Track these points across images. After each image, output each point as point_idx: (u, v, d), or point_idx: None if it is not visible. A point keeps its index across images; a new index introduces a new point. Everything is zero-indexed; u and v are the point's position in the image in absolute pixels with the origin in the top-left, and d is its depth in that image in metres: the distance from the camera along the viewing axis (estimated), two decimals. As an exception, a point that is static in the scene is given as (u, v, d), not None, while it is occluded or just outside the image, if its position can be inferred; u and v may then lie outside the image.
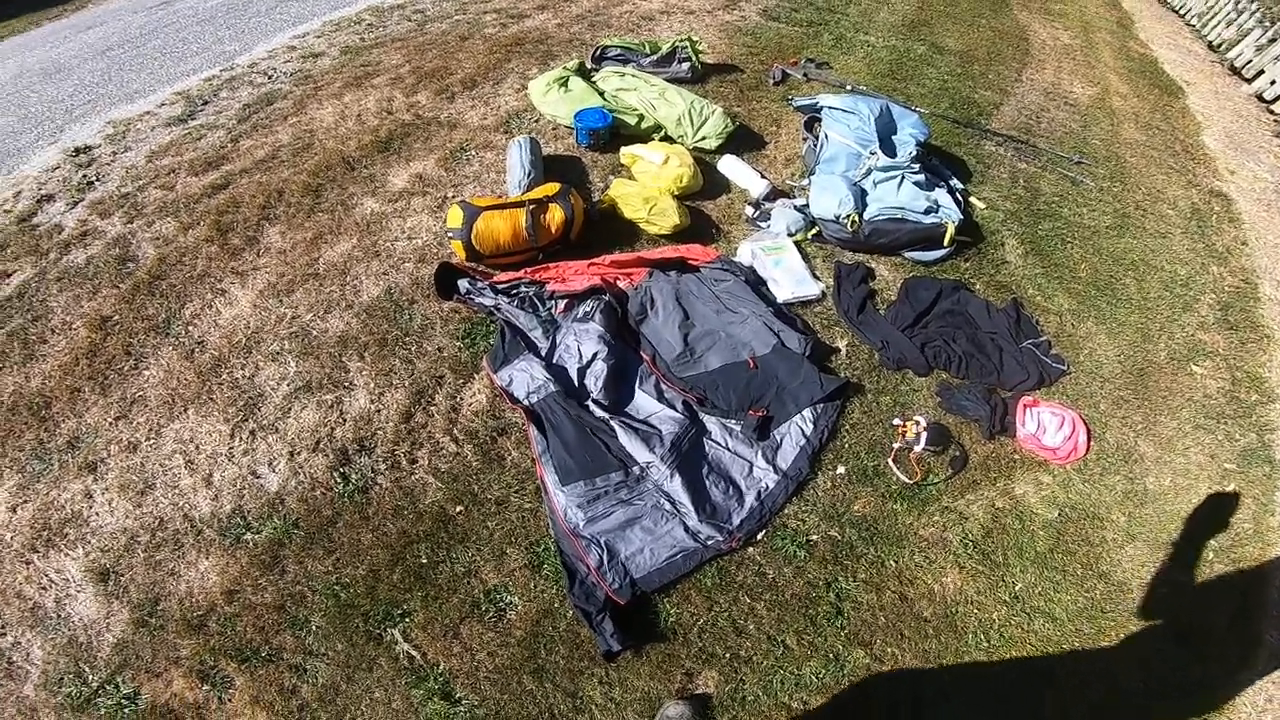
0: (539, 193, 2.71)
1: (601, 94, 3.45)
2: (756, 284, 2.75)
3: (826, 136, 3.12)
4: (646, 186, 2.96)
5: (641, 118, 3.34)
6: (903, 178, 3.02)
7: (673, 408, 2.32)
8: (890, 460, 2.26)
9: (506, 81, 3.98)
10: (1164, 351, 2.94)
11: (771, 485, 2.18)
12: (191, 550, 1.96)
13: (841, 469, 2.24)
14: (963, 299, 2.95)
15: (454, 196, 3.07)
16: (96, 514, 2.03)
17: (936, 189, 3.12)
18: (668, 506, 2.08)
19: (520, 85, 3.92)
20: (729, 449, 2.25)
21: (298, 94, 3.96)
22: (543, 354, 2.43)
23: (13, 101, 4.23)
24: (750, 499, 2.16)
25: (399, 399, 2.31)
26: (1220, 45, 6.60)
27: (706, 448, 2.25)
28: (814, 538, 2.07)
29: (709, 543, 2.03)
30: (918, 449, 2.31)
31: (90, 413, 2.24)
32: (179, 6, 5.41)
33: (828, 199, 2.98)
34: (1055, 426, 2.44)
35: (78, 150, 3.60)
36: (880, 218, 2.97)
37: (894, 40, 4.95)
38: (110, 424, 2.21)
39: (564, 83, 3.47)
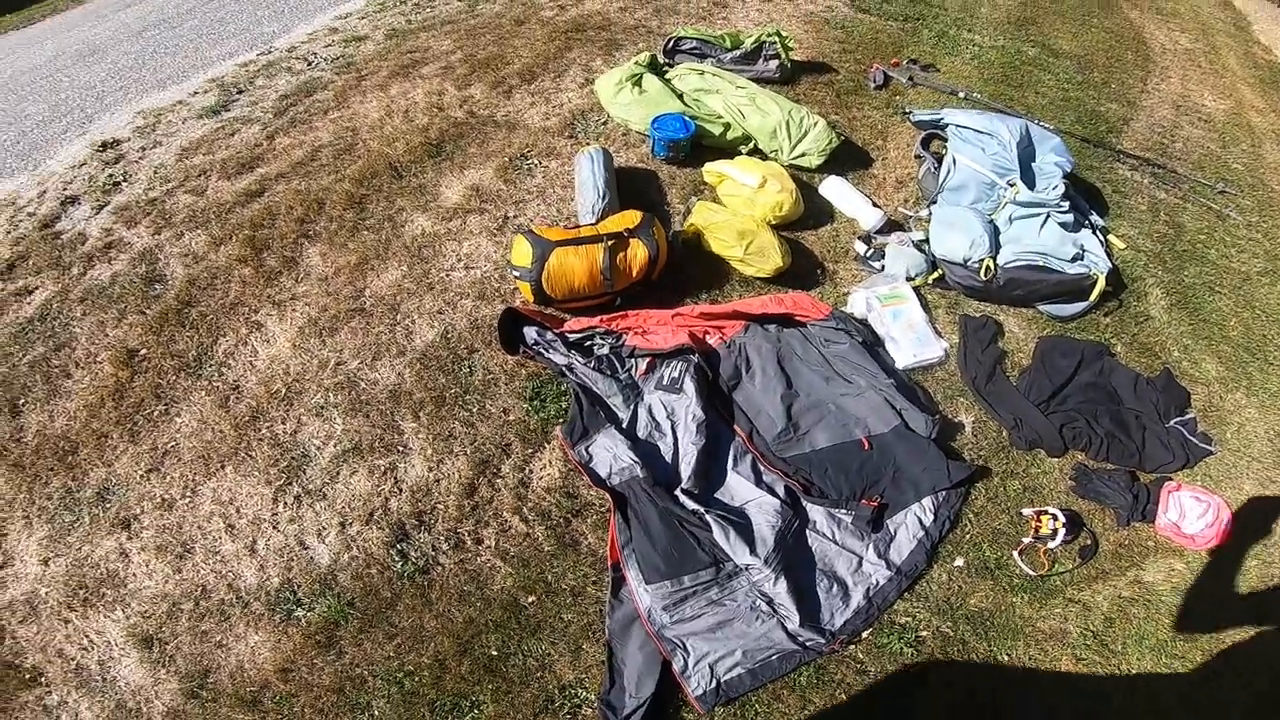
0: (617, 222, 2.29)
1: (680, 96, 3.00)
2: (873, 344, 2.33)
3: (955, 161, 2.64)
4: (738, 214, 2.52)
5: (728, 127, 2.89)
6: (1047, 216, 2.54)
7: (772, 493, 1.98)
8: (1016, 553, 1.98)
9: (568, 74, 3.55)
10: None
11: (882, 582, 1.90)
12: (239, 623, 1.80)
13: (960, 561, 1.96)
14: (1106, 368, 2.51)
15: (515, 216, 2.67)
16: (134, 575, 1.88)
17: (1081, 229, 2.63)
18: (765, 608, 1.81)
19: (584, 79, 3.49)
20: (836, 541, 1.94)
21: (339, 84, 3.58)
22: (624, 424, 2.09)
23: (45, 87, 3.94)
24: (858, 597, 1.87)
25: (461, 469, 2.01)
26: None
27: (810, 540, 1.95)
28: (923, 633, 1.83)
29: (809, 644, 1.77)
30: (1051, 545, 2.00)
31: (120, 462, 2.03)
32: None
33: (956, 238, 2.51)
34: (1197, 514, 2.13)
35: (105, 145, 3.28)
36: (1017, 263, 2.49)
37: (1001, 40, 4.38)
38: (142, 477, 2.01)
39: (637, 81, 3.02)
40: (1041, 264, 2.50)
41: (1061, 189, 2.56)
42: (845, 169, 2.95)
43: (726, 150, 2.92)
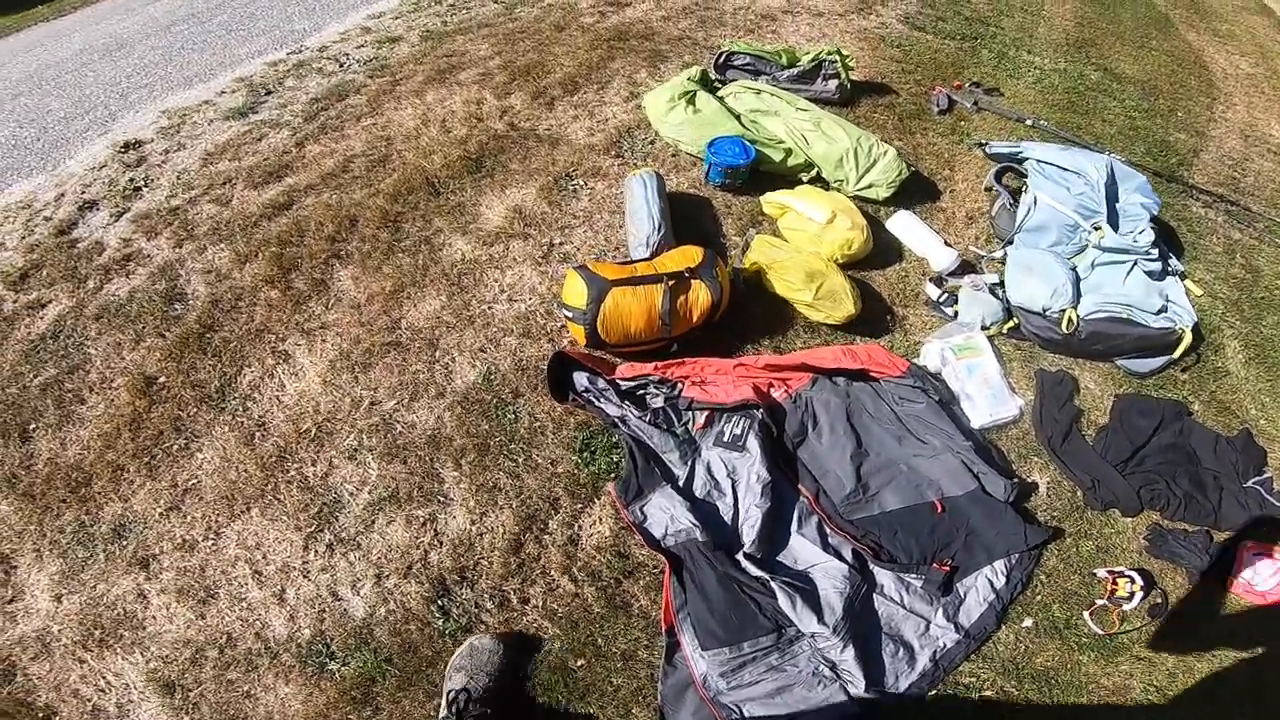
0: (676, 259, 2.11)
1: (737, 116, 2.82)
2: (948, 402, 2.15)
3: (1035, 200, 2.46)
4: (802, 252, 2.34)
5: (789, 153, 2.70)
6: (1134, 264, 2.35)
7: (839, 557, 1.85)
8: (1087, 613, 1.91)
9: (612, 86, 3.37)
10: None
11: (950, 645, 1.80)
12: (268, 673, 1.68)
13: (1029, 622, 1.87)
14: (1185, 429, 2.35)
15: (560, 244, 2.50)
16: (154, 618, 1.76)
17: (1166, 277, 2.45)
18: (828, 673, 1.70)
19: (629, 92, 3.31)
20: (903, 605, 1.83)
21: (373, 88, 3.43)
22: (680, 482, 1.95)
23: (70, 82, 3.81)
24: (923, 661, 1.77)
25: (506, 523, 1.87)
26: None
27: (876, 604, 1.84)
28: (987, 693, 1.77)
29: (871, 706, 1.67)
30: (1127, 607, 1.92)
31: (137, 498, 1.91)
32: None
33: (1035, 285, 2.33)
34: (1270, 572, 2.06)
35: (127, 145, 3.14)
36: (1099, 315, 2.31)
37: (1062, 62, 4.18)
38: (161, 515, 1.88)
39: (690, 99, 2.84)
40: (1125, 316, 2.32)
41: (1150, 235, 2.37)
42: (912, 202, 2.76)
43: (786, 178, 2.74)
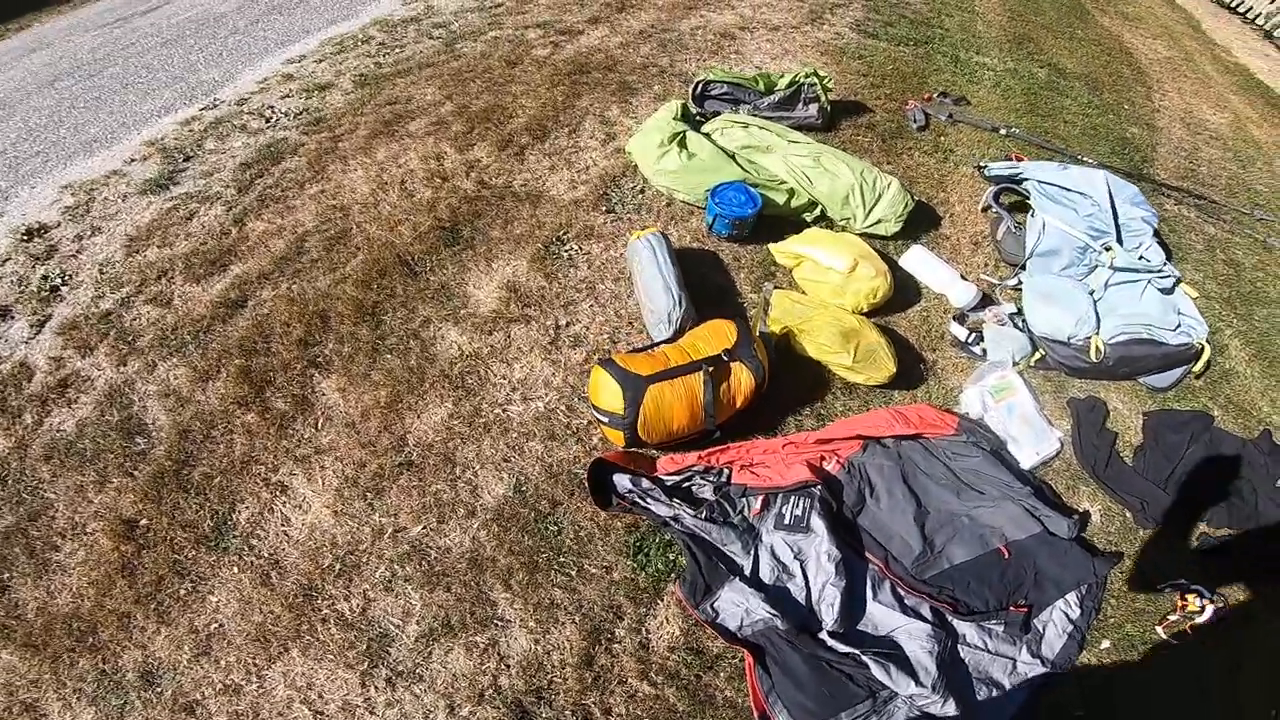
0: (708, 339, 1.92)
1: (731, 156, 2.65)
2: (999, 449, 2.09)
3: (1044, 224, 2.41)
4: (827, 307, 2.21)
5: (792, 194, 2.56)
6: (1148, 283, 2.35)
7: (919, 616, 1.83)
8: (1160, 628, 1.96)
9: (584, 127, 3.14)
10: None
11: (1038, 677, 1.82)
12: None
13: (1106, 643, 1.92)
14: (1214, 438, 2.40)
15: (568, 325, 2.27)
16: None
17: (1174, 290, 2.46)
18: None
19: (605, 133, 3.10)
20: (989, 650, 1.85)
21: (311, 146, 3.06)
22: (746, 571, 1.83)
23: (-63, 157, 3.23)
24: (1017, 696, 1.78)
25: (571, 638, 1.70)
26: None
27: (963, 654, 1.84)
28: (1079, 714, 1.78)
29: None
30: (1199, 620, 1.95)
31: (156, 644, 1.68)
32: (138, 24, 4.37)
33: (1057, 314, 2.29)
34: None
35: (30, 232, 2.68)
36: (1123, 338, 2.29)
37: (1010, 62, 4.24)
38: (191, 660, 1.67)
39: (680, 141, 2.65)
40: (1147, 336, 2.32)
41: (1159, 251, 2.38)
42: (916, 232, 2.68)
43: (790, 220, 2.61)
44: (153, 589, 1.75)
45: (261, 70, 3.79)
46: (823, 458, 1.98)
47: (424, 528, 1.82)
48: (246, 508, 1.87)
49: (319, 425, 2.00)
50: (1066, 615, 1.90)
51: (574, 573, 1.78)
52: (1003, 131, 3.29)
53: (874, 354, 2.06)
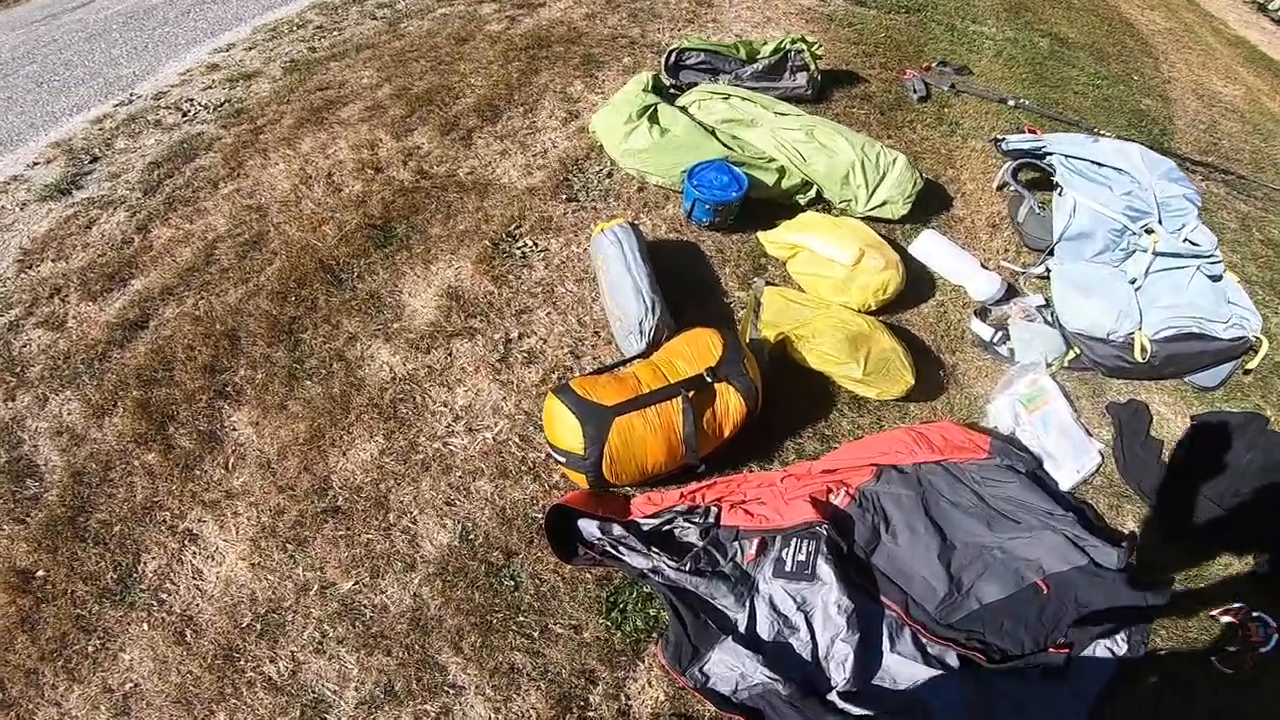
0: (687, 355, 1.56)
1: (711, 131, 2.30)
2: (1036, 469, 1.76)
3: (1075, 204, 2.08)
4: (828, 306, 1.86)
5: (782, 172, 2.21)
6: (1196, 269, 2.03)
7: (944, 665, 1.55)
8: (1215, 660, 1.73)
9: (542, 106, 2.77)
10: None
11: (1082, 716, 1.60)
12: None
13: (1154, 678, 1.70)
14: (1271, 444, 2.09)
15: (521, 338, 1.89)
16: None
17: (1223, 277, 2.15)
18: None
19: (566, 111, 2.72)
20: (1025, 694, 1.59)
21: (229, 140, 2.67)
22: (741, 627, 1.51)
23: None
24: None
25: (537, 707, 1.40)
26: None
27: (996, 708, 1.55)
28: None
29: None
30: (1264, 650, 1.71)
31: (69, 702, 1.44)
32: (64, 20, 3.94)
33: (1095, 307, 1.96)
34: None
35: (-92, 250, 2.28)
36: (1170, 332, 1.97)
37: (1010, 31, 3.92)
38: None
39: (651, 115, 2.28)
40: (1198, 330, 2.00)
41: (1208, 233, 2.06)
42: (926, 214, 2.33)
43: (782, 204, 2.26)
44: (58, 645, 1.51)
45: (185, 62, 3.38)
46: (829, 489, 1.63)
47: (356, 583, 1.49)
48: (153, 558, 1.56)
49: (229, 465, 1.64)
50: (1111, 651, 1.64)
51: (536, 634, 1.45)
52: (1011, 103, 2.96)
53: (888, 363, 1.72)
